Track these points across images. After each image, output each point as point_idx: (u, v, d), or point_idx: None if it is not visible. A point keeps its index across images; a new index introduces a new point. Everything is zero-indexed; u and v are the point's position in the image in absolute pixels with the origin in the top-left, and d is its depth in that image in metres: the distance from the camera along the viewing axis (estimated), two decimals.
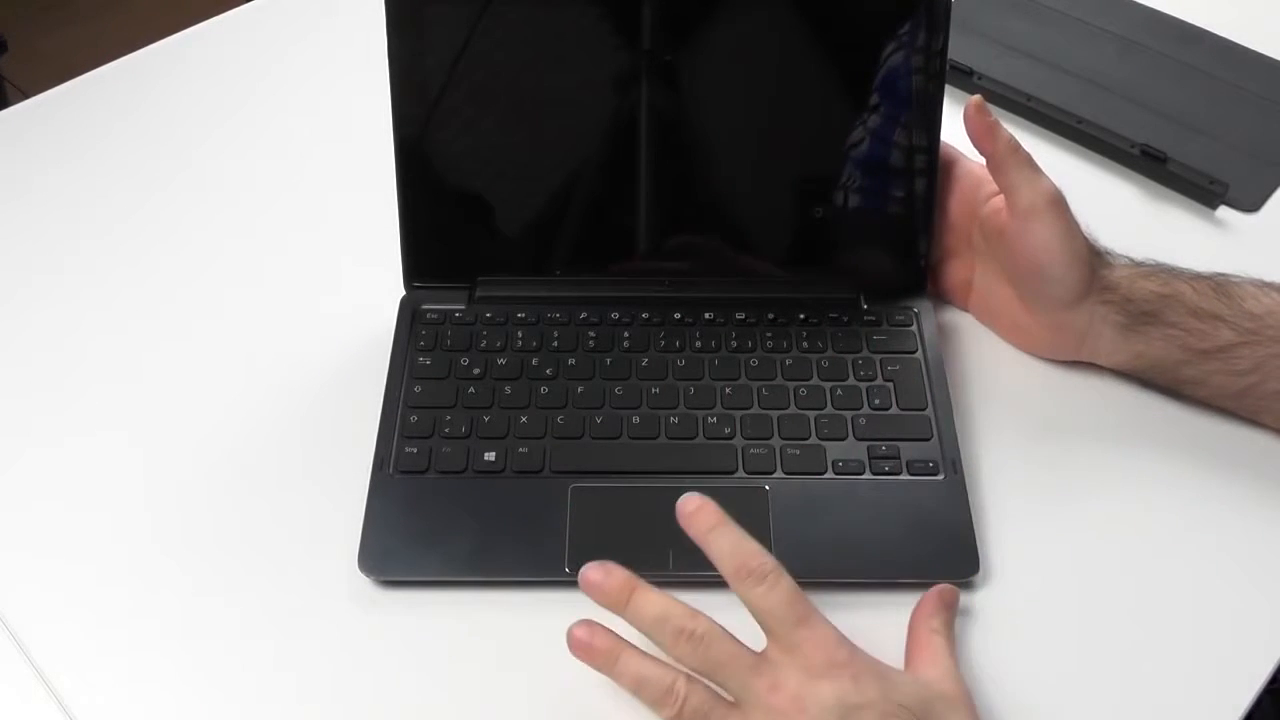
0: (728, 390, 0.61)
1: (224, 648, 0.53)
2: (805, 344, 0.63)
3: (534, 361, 0.62)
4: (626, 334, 0.63)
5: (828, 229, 0.66)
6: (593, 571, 0.49)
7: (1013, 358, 0.65)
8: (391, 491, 0.57)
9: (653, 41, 0.62)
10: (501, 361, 0.62)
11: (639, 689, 0.48)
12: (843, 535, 0.56)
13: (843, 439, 0.59)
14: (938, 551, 0.56)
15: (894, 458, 0.58)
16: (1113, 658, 0.54)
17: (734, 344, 0.63)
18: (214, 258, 0.71)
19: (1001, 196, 0.62)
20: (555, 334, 0.63)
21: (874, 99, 0.63)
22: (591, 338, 0.63)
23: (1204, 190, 0.75)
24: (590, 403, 0.60)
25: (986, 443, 0.61)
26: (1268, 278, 0.60)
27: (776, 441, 0.59)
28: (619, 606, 0.48)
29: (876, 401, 0.60)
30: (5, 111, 0.83)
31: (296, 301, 0.69)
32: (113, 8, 2.04)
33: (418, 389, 0.61)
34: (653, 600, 0.48)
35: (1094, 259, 0.60)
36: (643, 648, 0.49)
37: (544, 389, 0.61)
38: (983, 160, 0.62)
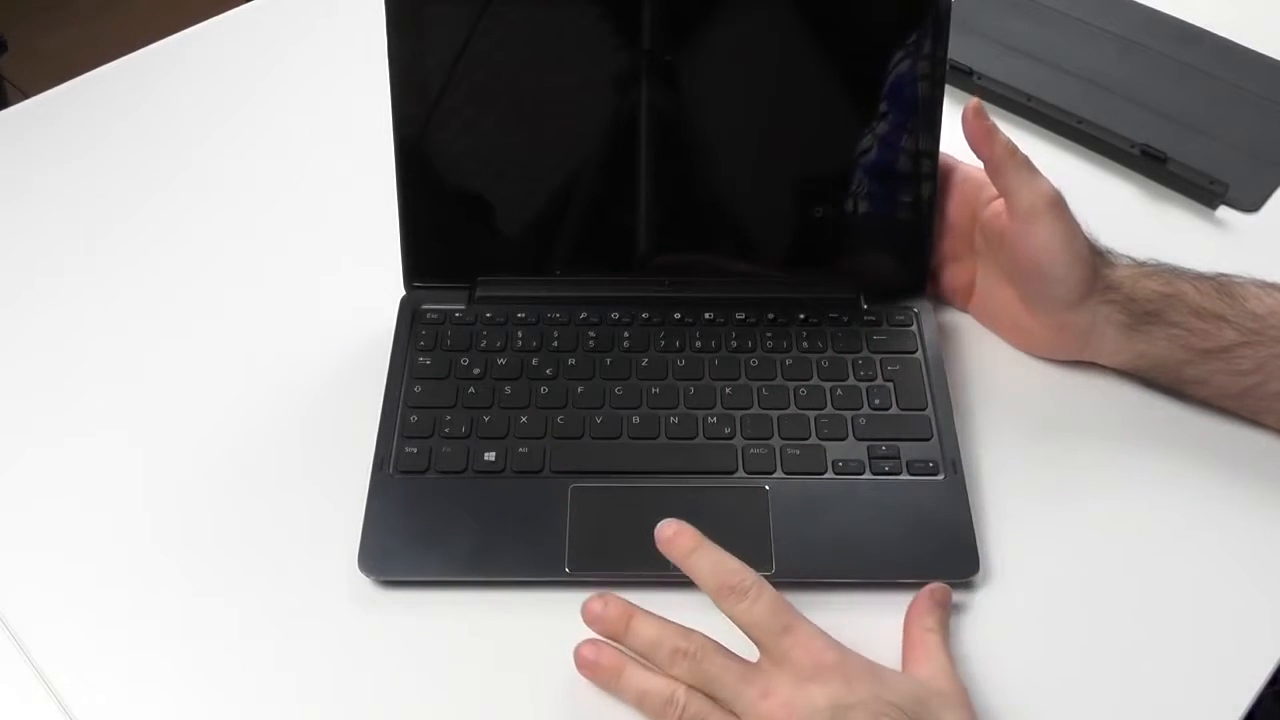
0: (728, 390, 0.61)
1: (224, 648, 0.53)
2: (805, 344, 0.63)
3: (534, 361, 0.62)
4: (626, 334, 0.63)
5: (827, 229, 0.66)
6: (593, 604, 0.51)
7: (1013, 358, 0.65)
8: (391, 491, 0.57)
9: (653, 41, 0.62)
10: (501, 361, 0.62)
11: (641, 702, 0.50)
12: (843, 535, 0.56)
13: (843, 439, 0.59)
14: (938, 551, 0.56)
15: (894, 458, 0.58)
16: (1113, 657, 0.54)
17: (734, 344, 0.63)
18: (214, 258, 0.71)
19: (1001, 200, 0.62)
20: (555, 334, 0.63)
21: (875, 101, 0.63)
22: (591, 338, 0.63)
23: (1204, 190, 0.75)
24: (590, 403, 0.60)
25: (986, 443, 0.61)
26: (1268, 277, 0.60)
27: (776, 441, 0.59)
28: (619, 634, 0.51)
29: (876, 401, 0.60)
30: (5, 111, 0.83)
31: (296, 301, 0.69)
32: (113, 8, 2.04)
33: (418, 389, 0.61)
34: (649, 624, 0.50)
35: (1095, 259, 0.60)
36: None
37: (544, 389, 0.61)
38: (981, 164, 0.62)
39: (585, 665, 0.51)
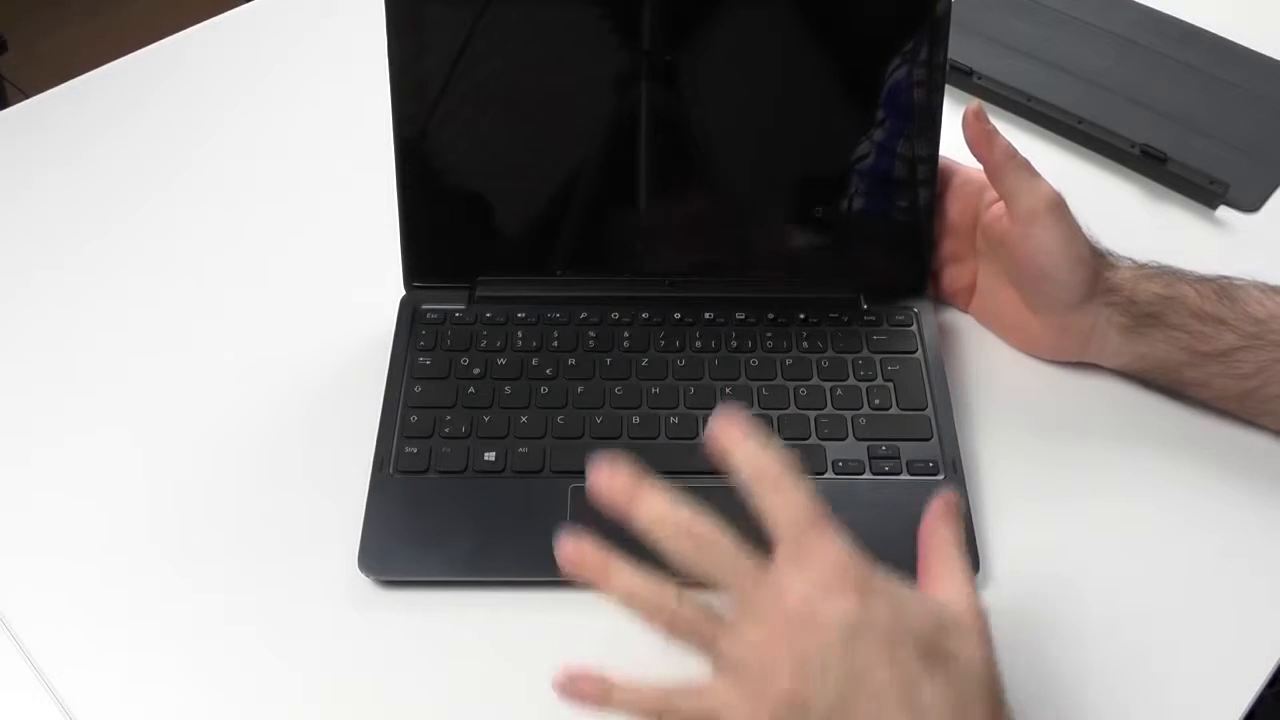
0: (728, 390, 0.61)
1: (224, 647, 0.53)
2: (805, 344, 0.63)
3: (534, 361, 0.62)
4: (626, 334, 0.63)
5: (827, 229, 0.66)
6: (600, 475, 0.45)
7: (1013, 358, 0.65)
8: (391, 491, 0.57)
9: (653, 41, 0.62)
10: (501, 361, 0.62)
11: (629, 601, 0.45)
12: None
13: (843, 439, 0.59)
14: None
15: (894, 458, 0.58)
16: (1113, 657, 0.54)
17: (734, 344, 0.63)
18: (214, 258, 0.71)
19: (1002, 203, 0.62)
20: (555, 334, 0.63)
21: (875, 101, 0.63)
22: (591, 338, 0.63)
23: (1204, 190, 0.75)
24: (590, 403, 0.60)
25: (986, 443, 0.61)
26: (1268, 278, 0.60)
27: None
28: (624, 503, 0.45)
29: (876, 401, 0.60)
30: (5, 111, 0.83)
31: (296, 301, 0.68)
32: (113, 8, 2.03)
33: (418, 389, 0.61)
34: (658, 498, 0.45)
35: (1096, 261, 0.60)
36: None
37: (544, 389, 0.61)
38: (980, 167, 0.62)
39: (568, 561, 0.45)
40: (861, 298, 0.65)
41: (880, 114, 0.63)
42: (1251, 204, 0.75)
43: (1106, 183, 0.77)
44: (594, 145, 0.64)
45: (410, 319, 0.64)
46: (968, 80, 0.81)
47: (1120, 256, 0.62)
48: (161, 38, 0.87)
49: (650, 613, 0.44)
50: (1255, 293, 0.59)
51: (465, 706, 0.52)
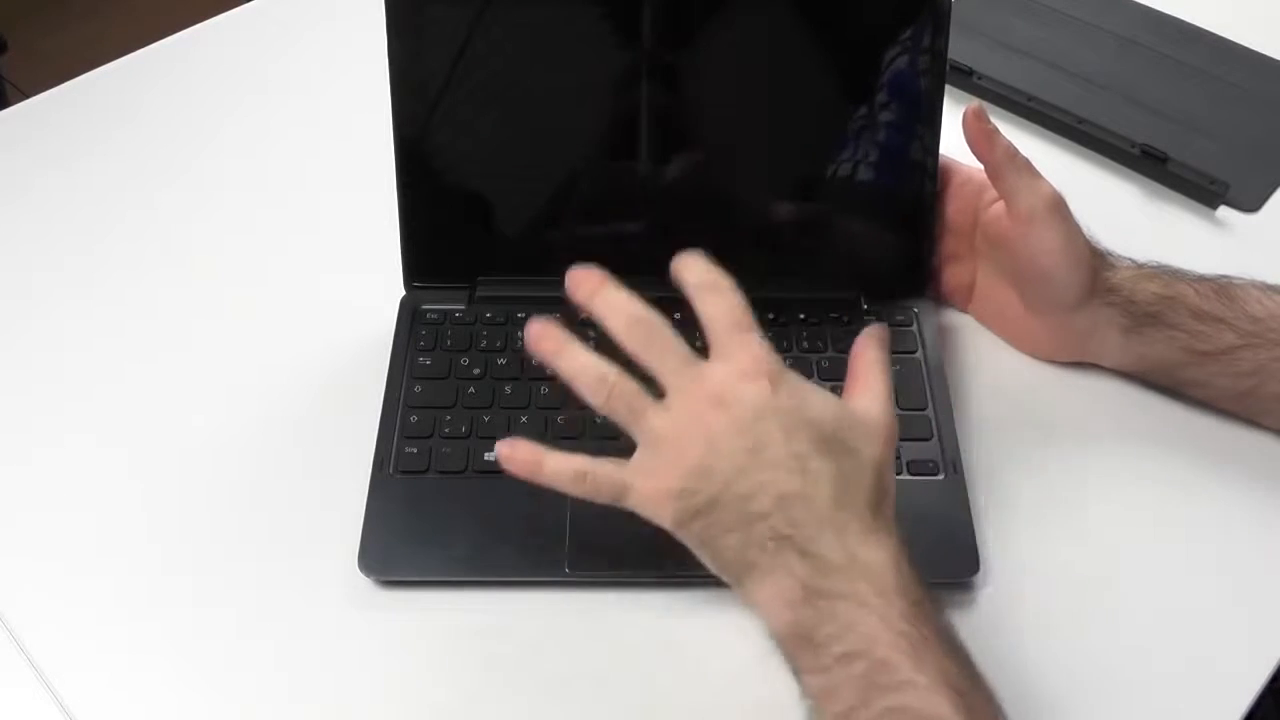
0: None
1: (224, 648, 0.53)
2: (805, 344, 0.63)
3: (534, 361, 0.62)
4: None
5: (827, 229, 0.66)
6: (575, 272, 0.51)
7: (1013, 358, 0.65)
8: (391, 491, 0.57)
9: (653, 42, 0.62)
10: (501, 361, 0.62)
11: (576, 377, 0.50)
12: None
13: None
14: (938, 551, 0.55)
15: (894, 458, 0.58)
16: (1113, 657, 0.54)
17: None
18: (214, 258, 0.71)
19: (1002, 202, 0.62)
20: None
21: (875, 101, 0.63)
22: (592, 338, 0.63)
23: (1204, 190, 0.75)
24: None
25: (986, 443, 0.61)
26: (1268, 278, 0.60)
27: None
28: (589, 298, 0.51)
29: None
30: (5, 111, 0.83)
31: (296, 301, 0.69)
32: (113, 8, 2.04)
33: (418, 389, 0.61)
34: (619, 291, 0.50)
35: (1096, 261, 0.60)
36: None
37: (544, 389, 0.61)
38: (981, 166, 0.62)
39: (533, 338, 0.51)
40: (861, 298, 0.65)
41: (880, 115, 0.63)
42: (1251, 204, 0.75)
43: (1106, 183, 0.77)
44: (594, 145, 0.64)
45: (410, 319, 0.64)
46: (968, 80, 0.81)
47: (1120, 256, 0.62)
48: (161, 38, 0.87)
49: (592, 385, 0.50)
50: (1254, 292, 0.59)
51: (465, 706, 0.52)
